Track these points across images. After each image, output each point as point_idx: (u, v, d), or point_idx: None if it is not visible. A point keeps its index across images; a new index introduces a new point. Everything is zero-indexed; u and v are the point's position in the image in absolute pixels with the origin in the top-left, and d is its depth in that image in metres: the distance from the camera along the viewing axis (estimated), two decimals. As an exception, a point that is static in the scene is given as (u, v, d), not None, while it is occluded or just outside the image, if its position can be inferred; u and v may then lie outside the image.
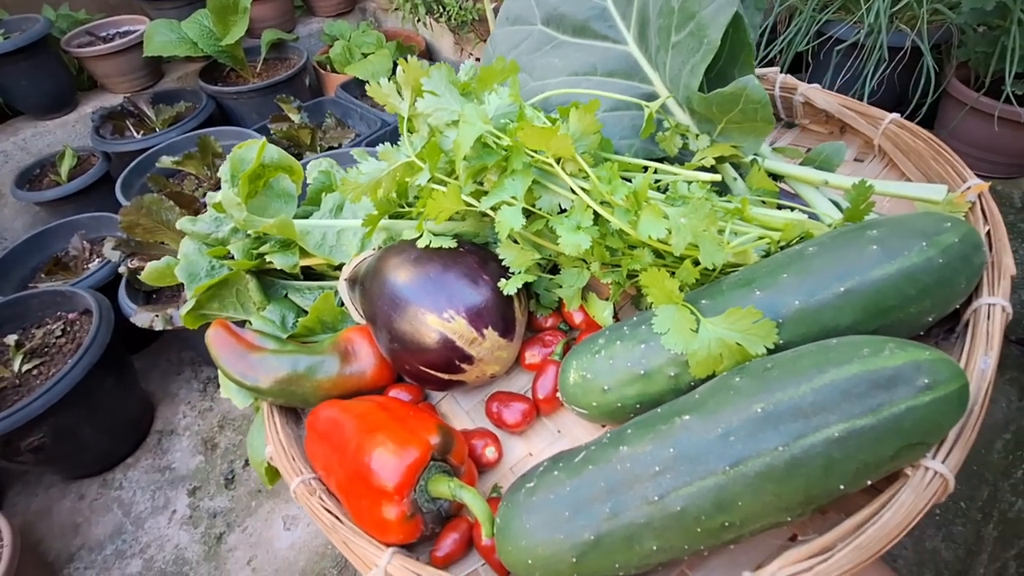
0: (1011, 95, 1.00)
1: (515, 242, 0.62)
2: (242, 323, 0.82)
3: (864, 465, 0.38)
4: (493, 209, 0.55)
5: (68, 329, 1.42)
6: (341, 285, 0.74)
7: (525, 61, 0.72)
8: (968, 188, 0.55)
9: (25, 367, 1.34)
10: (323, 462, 0.59)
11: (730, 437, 0.40)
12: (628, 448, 0.44)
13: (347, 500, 0.54)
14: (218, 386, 1.59)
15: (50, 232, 1.72)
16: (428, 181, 0.60)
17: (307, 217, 0.85)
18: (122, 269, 1.27)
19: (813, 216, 0.60)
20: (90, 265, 1.62)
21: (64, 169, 1.94)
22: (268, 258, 0.75)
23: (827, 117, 0.74)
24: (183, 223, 0.79)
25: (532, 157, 0.53)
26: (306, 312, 0.80)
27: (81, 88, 2.27)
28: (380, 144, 0.80)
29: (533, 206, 0.56)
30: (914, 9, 0.99)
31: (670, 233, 0.49)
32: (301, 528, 1.25)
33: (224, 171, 0.79)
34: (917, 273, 0.44)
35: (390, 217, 0.73)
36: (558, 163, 0.53)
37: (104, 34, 2.23)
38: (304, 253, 0.77)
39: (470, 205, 0.58)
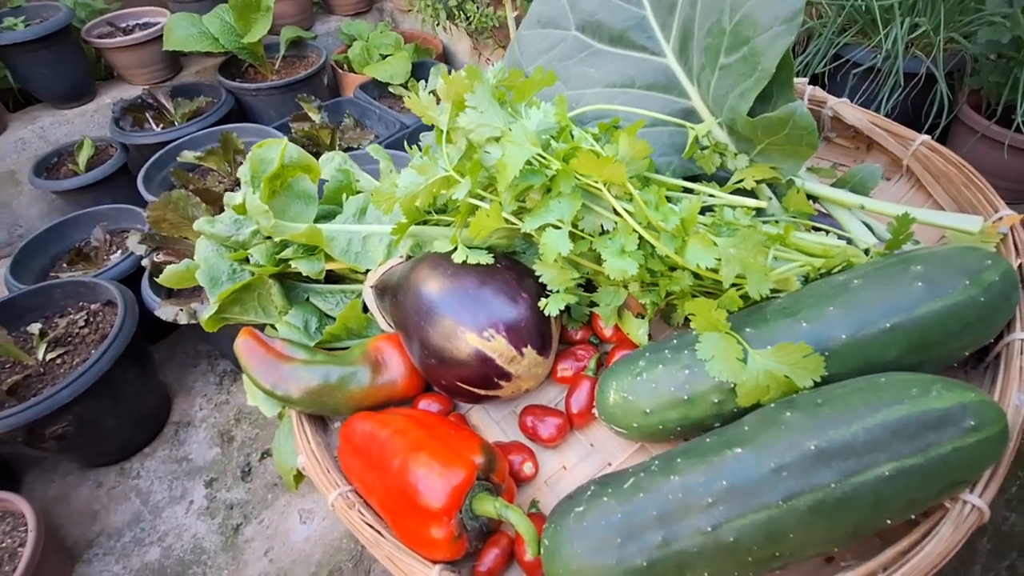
0: (1021, 125, 1.03)
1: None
2: (262, 327, 0.82)
3: (911, 501, 0.40)
4: (538, 230, 0.55)
5: (91, 320, 1.43)
6: (367, 292, 0.73)
7: (559, 68, 0.71)
8: (1000, 219, 0.57)
9: (49, 356, 1.35)
10: (360, 476, 0.60)
11: (783, 472, 0.42)
12: (679, 478, 0.45)
13: (391, 518, 0.55)
14: (235, 379, 1.59)
15: (71, 222, 1.73)
16: (466, 195, 0.59)
17: (327, 218, 0.84)
18: (145, 262, 1.28)
19: (845, 238, 0.61)
20: (111, 257, 1.63)
21: (82, 159, 1.93)
22: (293, 264, 0.74)
23: (855, 132, 0.74)
24: (201, 224, 0.77)
25: (579, 180, 0.53)
26: (327, 315, 0.80)
27: (98, 77, 2.25)
28: (408, 146, 0.78)
29: (575, 226, 0.56)
30: (930, 37, 1.01)
31: (719, 262, 0.49)
32: (317, 522, 1.27)
33: (244, 172, 0.77)
34: (961, 311, 0.46)
35: (417, 223, 0.72)
36: (606, 185, 0.53)
37: (124, 25, 2.22)
38: (328, 258, 0.76)
39: (511, 223, 0.58)
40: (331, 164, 0.87)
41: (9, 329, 1.38)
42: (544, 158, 0.52)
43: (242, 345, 0.67)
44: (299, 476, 0.73)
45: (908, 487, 0.40)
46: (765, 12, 0.49)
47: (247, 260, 0.77)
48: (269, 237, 0.75)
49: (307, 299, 0.80)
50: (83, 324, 1.41)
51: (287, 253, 0.75)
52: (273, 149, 0.77)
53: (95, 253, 1.63)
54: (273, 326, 0.79)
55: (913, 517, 0.42)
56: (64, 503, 1.38)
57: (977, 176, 0.61)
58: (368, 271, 0.74)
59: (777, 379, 0.47)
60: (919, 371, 0.48)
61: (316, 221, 0.80)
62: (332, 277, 0.82)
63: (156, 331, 1.69)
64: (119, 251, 1.65)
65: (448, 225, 0.72)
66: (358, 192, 0.85)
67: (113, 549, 1.28)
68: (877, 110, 0.85)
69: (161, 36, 2.09)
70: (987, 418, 0.40)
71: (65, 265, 1.63)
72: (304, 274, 0.73)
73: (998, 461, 0.43)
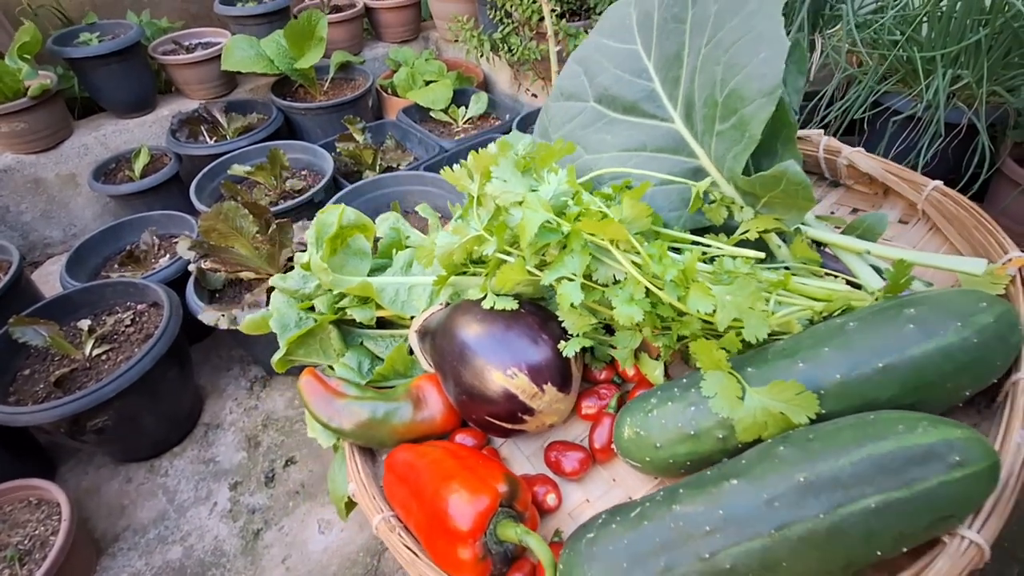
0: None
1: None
2: (321, 367, 0.92)
3: (900, 534, 0.42)
4: (556, 281, 0.62)
5: (137, 319, 1.51)
6: (412, 337, 0.82)
7: (579, 135, 0.79)
8: (1009, 260, 0.58)
9: (95, 352, 1.42)
10: (401, 501, 0.66)
11: (775, 503, 0.45)
12: (680, 507, 0.49)
13: (425, 539, 0.61)
14: (264, 385, 1.70)
15: (125, 225, 1.85)
16: (495, 251, 0.67)
17: (380, 270, 0.95)
18: (192, 268, 1.34)
19: (855, 284, 0.63)
20: (160, 260, 1.73)
21: (138, 166, 2.08)
22: (349, 312, 0.84)
23: (871, 179, 0.77)
24: (275, 280, 0.90)
25: (590, 237, 0.60)
26: (379, 357, 0.89)
27: (159, 91, 2.44)
28: (440, 168, 0.88)
29: (590, 278, 0.63)
30: (972, 89, 1.01)
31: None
32: (335, 533, 1.28)
33: (310, 234, 0.89)
34: (953, 352, 0.48)
35: (456, 275, 0.81)
36: (612, 242, 0.59)
37: (187, 44, 2.41)
38: (379, 306, 0.86)
39: (533, 275, 0.65)
40: (386, 223, 0.99)
41: (61, 324, 1.44)
42: (557, 222, 0.60)
43: (304, 383, 0.77)
44: (350, 504, 0.81)
45: (896, 520, 0.42)
46: (749, 87, 0.56)
47: (312, 309, 0.88)
48: (330, 290, 0.86)
49: (361, 343, 0.90)
50: (129, 323, 1.48)
51: (344, 303, 0.86)
52: (332, 214, 0.89)
53: (145, 256, 1.72)
54: (331, 367, 0.89)
55: (906, 551, 0.43)
56: (95, 495, 1.42)
57: (987, 218, 0.62)
58: (413, 318, 0.83)
59: (774, 416, 0.50)
60: (918, 411, 0.50)
61: (371, 273, 0.91)
62: (383, 323, 0.92)
63: (194, 333, 1.76)
64: (167, 255, 1.74)
65: (482, 275, 0.81)
66: (407, 247, 0.96)
67: (137, 545, 1.31)
68: (917, 158, 0.87)
69: (220, 56, 2.23)
70: (974, 454, 0.42)
71: (116, 266, 1.73)
72: (358, 321, 0.84)
73: (995, 496, 0.44)
